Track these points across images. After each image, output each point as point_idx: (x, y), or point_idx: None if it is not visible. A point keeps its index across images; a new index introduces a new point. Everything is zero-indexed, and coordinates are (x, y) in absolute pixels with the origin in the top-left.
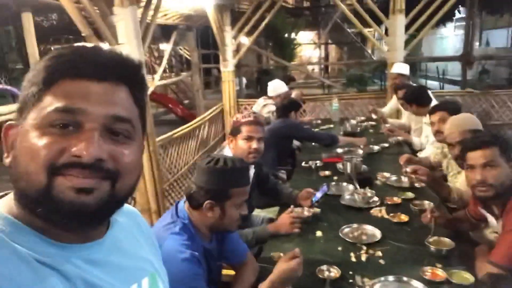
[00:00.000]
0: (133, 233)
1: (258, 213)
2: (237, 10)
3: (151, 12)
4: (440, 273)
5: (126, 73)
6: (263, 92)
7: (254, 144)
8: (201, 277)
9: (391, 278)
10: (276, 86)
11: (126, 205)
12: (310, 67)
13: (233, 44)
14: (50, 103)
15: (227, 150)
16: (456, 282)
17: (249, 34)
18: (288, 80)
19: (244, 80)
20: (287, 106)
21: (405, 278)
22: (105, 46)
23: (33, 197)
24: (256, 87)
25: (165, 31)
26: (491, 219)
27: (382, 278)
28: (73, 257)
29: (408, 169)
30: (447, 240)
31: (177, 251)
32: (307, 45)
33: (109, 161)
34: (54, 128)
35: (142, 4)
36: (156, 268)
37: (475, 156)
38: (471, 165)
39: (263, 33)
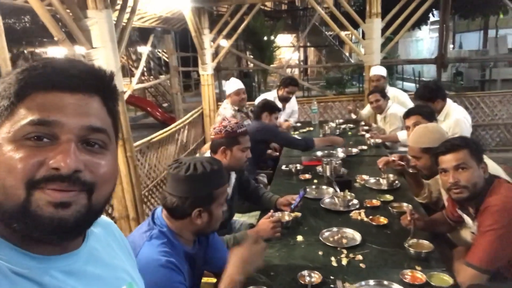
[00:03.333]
0: (109, 243)
1: (239, 218)
2: (215, 13)
3: (127, 15)
4: (419, 276)
5: (99, 84)
6: None
7: (248, 153)
8: (181, 285)
9: (371, 282)
10: (229, 83)
11: (102, 216)
12: (289, 70)
13: (212, 47)
14: (24, 116)
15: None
16: (435, 285)
17: (228, 37)
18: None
19: (224, 83)
20: (260, 107)
21: (385, 282)
22: (79, 50)
23: (10, 212)
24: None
25: (143, 34)
26: (468, 220)
27: (363, 283)
28: (51, 268)
29: (395, 157)
30: (426, 242)
31: (153, 258)
32: (286, 48)
33: (86, 173)
34: (29, 141)
35: (118, 7)
36: (133, 278)
37: (447, 159)
38: (444, 169)
39: (242, 35)
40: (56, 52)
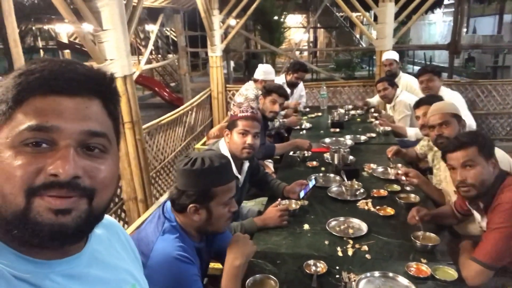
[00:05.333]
0: (113, 245)
1: (245, 203)
2: None
3: None
4: (424, 269)
5: (98, 87)
6: (250, 75)
7: (249, 139)
8: (198, 278)
9: (376, 273)
10: (266, 71)
11: (105, 216)
12: (297, 52)
13: (222, 28)
14: (22, 122)
15: (222, 143)
16: (440, 278)
17: (237, 17)
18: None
19: (232, 64)
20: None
21: (390, 274)
22: (87, 28)
23: (10, 219)
24: (244, 70)
25: (152, 13)
26: (477, 215)
27: (368, 274)
28: (52, 273)
29: (400, 171)
30: (432, 235)
31: (169, 252)
32: (296, 29)
33: (85, 178)
34: (27, 147)
35: None
36: (137, 279)
37: (455, 157)
38: (452, 166)
39: (251, 16)
40: (63, 28)
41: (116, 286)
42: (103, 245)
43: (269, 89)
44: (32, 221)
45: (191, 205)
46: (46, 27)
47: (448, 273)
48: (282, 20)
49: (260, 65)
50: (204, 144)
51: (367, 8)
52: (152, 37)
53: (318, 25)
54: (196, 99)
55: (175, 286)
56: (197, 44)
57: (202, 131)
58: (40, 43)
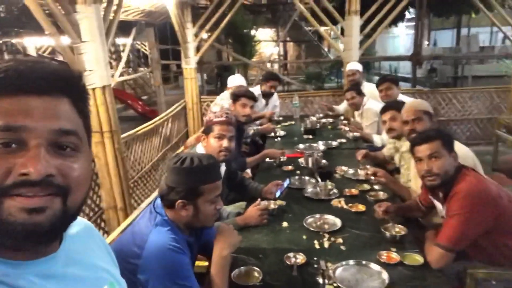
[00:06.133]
0: (88, 244)
1: (225, 208)
2: (198, 7)
3: (113, 8)
4: (394, 256)
5: (67, 85)
6: (223, 87)
7: (225, 143)
8: (190, 267)
9: (351, 262)
10: (238, 80)
11: (78, 218)
12: (269, 64)
13: (195, 40)
14: None
15: (200, 148)
16: (408, 263)
17: (210, 31)
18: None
19: (205, 76)
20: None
21: (363, 262)
22: (64, 41)
23: None
24: (216, 83)
25: (123, 26)
26: (438, 205)
27: (344, 263)
28: (28, 273)
29: (369, 172)
30: (400, 226)
31: (163, 243)
32: (267, 42)
33: (58, 177)
34: None
35: (105, 1)
36: (115, 277)
37: (422, 149)
38: (419, 158)
39: (223, 29)
40: (32, 42)
41: (94, 284)
42: (79, 244)
43: (237, 94)
44: (4, 222)
45: (179, 201)
46: (14, 40)
47: (415, 259)
48: (253, 33)
49: (231, 76)
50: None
51: (335, 22)
52: (126, 50)
53: (288, 38)
54: (172, 110)
55: (169, 275)
56: (168, 57)
57: (178, 142)
58: (6, 57)
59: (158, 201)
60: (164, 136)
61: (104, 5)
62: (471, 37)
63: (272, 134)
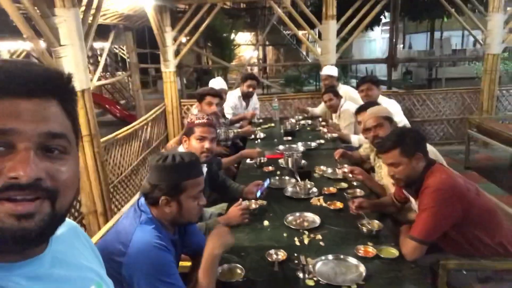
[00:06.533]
0: (74, 244)
1: (207, 209)
2: (177, 11)
3: (92, 12)
4: (371, 250)
5: (56, 87)
6: None
7: (206, 144)
8: (175, 264)
9: (330, 256)
10: (218, 82)
11: None
12: (248, 68)
13: (174, 44)
14: None
15: (181, 149)
16: (384, 256)
17: (189, 34)
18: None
19: (184, 80)
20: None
21: (342, 256)
22: (41, 47)
23: None
24: (196, 87)
25: (101, 30)
26: (412, 200)
27: (323, 257)
28: (15, 275)
29: (346, 170)
30: (376, 222)
31: (147, 241)
32: (246, 46)
33: (47, 180)
34: None
35: (83, 4)
36: (101, 277)
37: (384, 158)
38: (384, 162)
39: (202, 33)
40: (4, 46)
41: (81, 284)
42: (65, 245)
43: (201, 93)
44: None
45: (162, 198)
46: None
47: (391, 252)
48: (232, 37)
49: (212, 80)
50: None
51: (312, 26)
52: (104, 54)
53: (267, 42)
54: (151, 113)
55: (154, 272)
56: (146, 61)
57: (158, 145)
58: None
59: (142, 200)
60: (143, 140)
61: (83, 8)
62: (444, 40)
63: (252, 136)
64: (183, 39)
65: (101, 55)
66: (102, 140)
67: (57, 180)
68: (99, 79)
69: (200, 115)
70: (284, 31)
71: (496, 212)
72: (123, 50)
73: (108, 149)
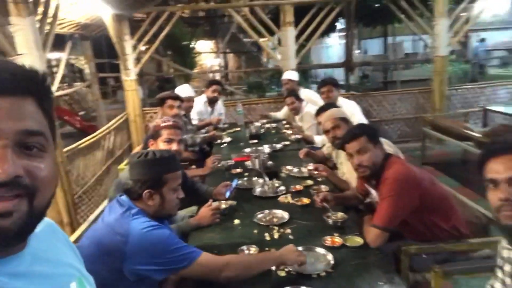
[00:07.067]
0: (52, 241)
1: (178, 213)
2: (135, 19)
3: (49, 20)
4: (337, 240)
5: (32, 85)
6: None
7: (174, 146)
8: (174, 234)
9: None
10: (184, 89)
11: None
12: (211, 75)
13: (134, 52)
14: None
15: None
16: (350, 245)
17: (148, 43)
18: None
19: (145, 89)
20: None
21: (311, 247)
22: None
23: None
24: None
25: (57, 40)
26: (373, 192)
27: None
28: None
29: (311, 167)
30: (341, 213)
31: (143, 228)
32: (207, 54)
33: (26, 177)
34: None
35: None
36: (82, 273)
37: (350, 146)
38: (350, 154)
39: (161, 41)
40: None
41: (63, 280)
42: (44, 242)
43: (162, 97)
44: None
45: (146, 191)
46: None
47: (356, 240)
48: (192, 45)
49: (179, 87)
50: (127, 164)
51: (272, 33)
52: (61, 64)
53: (228, 50)
54: (114, 122)
55: (161, 249)
56: (104, 71)
57: (121, 155)
58: None
59: (123, 197)
60: (107, 149)
61: (39, 17)
62: (397, 44)
63: (219, 140)
64: (142, 47)
65: (57, 66)
66: (64, 150)
67: (36, 178)
68: (56, 90)
69: (166, 118)
70: (244, 39)
71: (449, 199)
72: (81, 60)
73: (71, 160)
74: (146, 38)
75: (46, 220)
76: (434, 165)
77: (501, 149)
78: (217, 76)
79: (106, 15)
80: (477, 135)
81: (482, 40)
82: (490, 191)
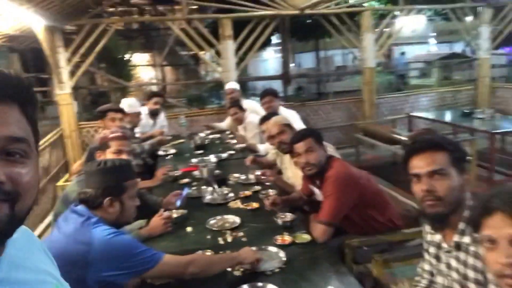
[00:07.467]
0: (29, 248)
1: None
2: (68, 32)
3: None
4: (287, 238)
5: (17, 92)
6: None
7: (124, 157)
8: (136, 240)
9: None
10: (131, 104)
11: None
12: (148, 88)
13: (69, 65)
14: None
15: None
16: (299, 242)
17: (81, 56)
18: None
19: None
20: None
21: (263, 246)
22: None
23: None
24: (92, 111)
25: None
26: (317, 191)
27: None
28: None
29: (258, 173)
30: (289, 214)
31: (106, 236)
32: (144, 67)
33: (8, 184)
34: None
35: None
36: (59, 280)
37: (299, 146)
38: (297, 153)
39: (96, 54)
40: None
41: (39, 287)
42: (21, 249)
43: (102, 110)
44: None
45: (107, 199)
46: None
47: (304, 237)
48: (128, 58)
49: (123, 100)
50: (67, 180)
51: (212, 45)
52: None
53: (165, 63)
54: (47, 139)
55: (124, 256)
56: (33, 86)
57: (58, 172)
58: None
59: (79, 207)
60: (42, 168)
61: None
62: (328, 58)
63: (162, 152)
64: (76, 60)
65: None
66: None
67: (18, 184)
68: None
69: (114, 129)
70: (181, 52)
71: (383, 194)
72: None
73: None
74: (82, 50)
75: (22, 227)
76: (367, 168)
77: (420, 148)
78: (154, 89)
79: (38, 26)
80: (404, 138)
81: (402, 53)
82: (414, 184)
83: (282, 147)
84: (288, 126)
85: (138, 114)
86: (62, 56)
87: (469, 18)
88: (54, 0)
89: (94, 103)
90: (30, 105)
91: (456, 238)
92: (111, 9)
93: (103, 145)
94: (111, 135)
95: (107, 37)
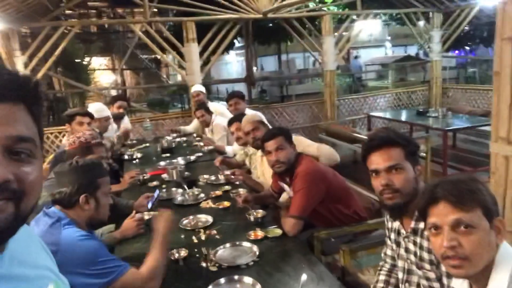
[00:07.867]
0: (29, 244)
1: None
2: (25, 35)
3: None
4: (259, 233)
5: (24, 92)
6: (58, 121)
7: (104, 164)
8: (104, 247)
9: (227, 245)
10: (99, 109)
11: None
12: (107, 92)
13: (27, 69)
14: None
15: None
16: (271, 236)
17: (40, 60)
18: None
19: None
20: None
21: (237, 242)
22: None
23: None
24: (48, 117)
25: None
26: (287, 188)
27: (221, 246)
28: None
29: (228, 173)
30: (260, 211)
31: (75, 238)
32: (103, 71)
33: (14, 182)
34: None
35: None
36: (58, 276)
37: (270, 144)
38: (268, 151)
39: (55, 58)
40: None
41: (40, 283)
42: (21, 245)
43: (70, 114)
44: None
45: (82, 196)
46: None
47: (276, 232)
48: (86, 62)
49: (90, 105)
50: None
51: (175, 48)
52: None
53: (124, 66)
54: None
55: (87, 261)
56: None
57: None
58: None
59: (52, 209)
60: None
61: None
62: (290, 61)
63: (127, 157)
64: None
65: None
66: None
67: (24, 183)
68: None
69: (88, 133)
70: (141, 56)
71: (348, 188)
72: None
73: None
74: (41, 54)
75: None
76: (330, 166)
77: (377, 145)
78: (114, 93)
79: None
80: (363, 137)
81: (356, 57)
82: (373, 179)
83: (256, 143)
84: (262, 123)
85: (106, 119)
86: (19, 60)
87: (421, 23)
88: (11, 2)
89: (51, 109)
90: (36, 105)
91: (412, 224)
92: (69, 12)
93: (86, 150)
94: (94, 141)
95: (67, 40)
